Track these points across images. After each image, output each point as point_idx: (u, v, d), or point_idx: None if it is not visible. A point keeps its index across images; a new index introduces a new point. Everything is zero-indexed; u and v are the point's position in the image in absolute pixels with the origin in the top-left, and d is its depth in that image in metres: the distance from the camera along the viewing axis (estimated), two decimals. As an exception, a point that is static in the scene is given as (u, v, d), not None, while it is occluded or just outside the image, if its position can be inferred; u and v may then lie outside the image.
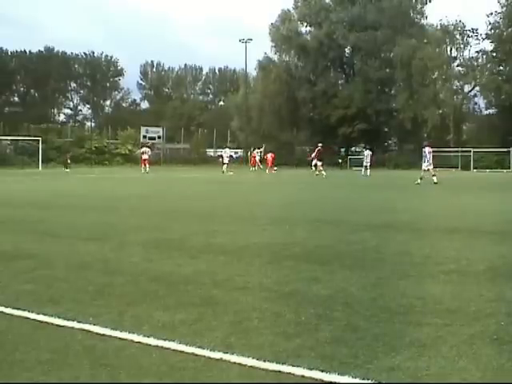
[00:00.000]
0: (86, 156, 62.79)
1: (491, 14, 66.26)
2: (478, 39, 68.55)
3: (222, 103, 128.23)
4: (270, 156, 51.89)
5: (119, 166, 56.51)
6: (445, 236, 10.32)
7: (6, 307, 5.26)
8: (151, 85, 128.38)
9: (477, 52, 68.72)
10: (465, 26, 68.38)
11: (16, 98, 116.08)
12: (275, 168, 52.31)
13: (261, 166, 55.58)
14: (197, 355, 4.06)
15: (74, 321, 4.83)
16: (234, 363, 3.91)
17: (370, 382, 3.62)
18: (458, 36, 68.95)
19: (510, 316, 5.05)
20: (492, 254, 8.28)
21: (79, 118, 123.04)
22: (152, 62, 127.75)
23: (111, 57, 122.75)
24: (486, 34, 67.15)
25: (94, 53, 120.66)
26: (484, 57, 68.37)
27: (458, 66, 71.07)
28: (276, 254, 8.16)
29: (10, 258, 7.74)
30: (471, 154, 60.91)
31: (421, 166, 31.44)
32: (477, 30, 68.05)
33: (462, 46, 69.61)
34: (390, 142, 78.63)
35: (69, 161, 52.89)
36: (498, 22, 66.25)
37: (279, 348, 4.21)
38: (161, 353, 4.13)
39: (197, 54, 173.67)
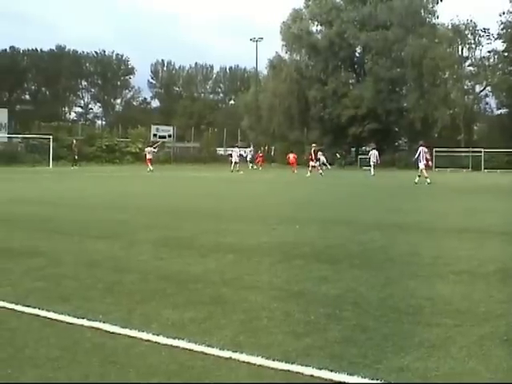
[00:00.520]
0: (97, 154, 62.79)
1: (503, 13, 65.86)
2: (489, 39, 68.17)
3: (232, 102, 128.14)
4: (292, 157, 51.65)
5: (129, 165, 56.57)
6: (455, 236, 10.29)
7: (17, 304, 5.29)
8: (162, 83, 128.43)
9: (488, 52, 68.38)
10: (476, 26, 68.02)
11: (27, 96, 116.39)
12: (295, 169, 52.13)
13: (254, 167, 55.87)
14: (206, 354, 4.07)
15: (83, 318, 4.85)
16: (243, 362, 3.92)
17: (379, 382, 3.61)
18: (469, 36, 68.58)
19: (521, 317, 5.04)
20: (503, 254, 8.25)
21: (90, 116, 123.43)
22: (163, 60, 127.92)
23: (122, 55, 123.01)
24: (498, 33, 66.75)
25: (105, 51, 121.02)
26: (495, 57, 67.97)
27: (469, 65, 70.73)
28: (285, 253, 8.16)
29: (20, 256, 7.77)
30: (482, 154, 60.61)
31: (417, 164, 31.52)
32: (488, 29, 67.71)
33: (473, 45, 69.22)
34: (400, 141, 78.34)
35: (76, 156, 52.84)
36: (510, 22, 65.86)
37: (288, 347, 4.21)
38: (170, 351, 4.14)
39: (207, 53, 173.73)
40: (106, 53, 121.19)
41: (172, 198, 19.12)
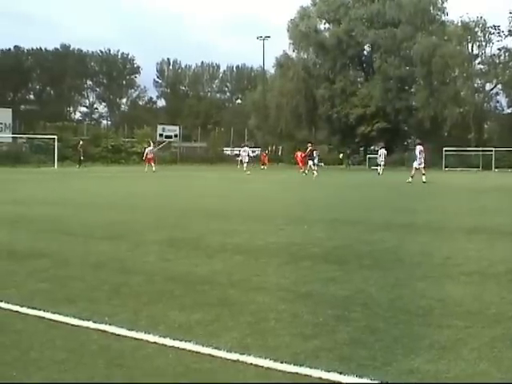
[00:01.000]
0: (102, 155, 62.90)
1: (514, 10, 65.72)
2: (500, 36, 67.89)
3: (239, 101, 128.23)
4: (300, 155, 51.65)
5: (135, 165, 56.63)
6: (465, 236, 10.26)
7: (22, 306, 5.30)
8: (168, 83, 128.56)
9: (499, 49, 68.11)
10: (486, 23, 67.76)
11: (32, 96, 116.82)
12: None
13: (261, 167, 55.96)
14: (213, 356, 4.07)
15: (89, 320, 4.85)
16: (251, 364, 3.91)
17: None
18: (479, 33, 68.32)
19: (533, 318, 5.02)
20: (514, 255, 8.22)
21: (95, 116, 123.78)
22: (168, 59, 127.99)
23: (127, 54, 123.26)
24: (509, 30, 66.53)
25: (110, 50, 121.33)
26: (506, 54, 67.72)
27: (479, 63, 70.51)
28: (293, 254, 8.16)
29: (25, 257, 7.78)
30: (492, 153, 60.44)
31: (412, 164, 31.75)
32: (499, 26, 67.45)
33: (483, 43, 68.95)
34: (409, 141, 78.18)
35: (82, 157, 52.87)
36: (521, 19, 65.70)
37: (296, 349, 4.21)
38: (177, 353, 4.14)
39: (214, 52, 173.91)
40: (111, 52, 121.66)
41: (178, 199, 19.13)
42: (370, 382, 3.64)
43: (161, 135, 69.68)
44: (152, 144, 50.75)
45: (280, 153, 76.27)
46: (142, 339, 4.43)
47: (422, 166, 31.13)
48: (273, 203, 17.70)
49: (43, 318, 5.00)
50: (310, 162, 40.24)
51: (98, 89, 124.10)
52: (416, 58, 66.24)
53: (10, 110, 59.80)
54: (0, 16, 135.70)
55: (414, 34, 67.19)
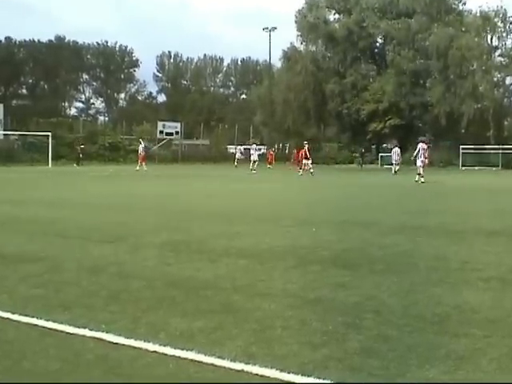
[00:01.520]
0: (100, 153, 63.00)
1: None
2: (521, 27, 67.83)
3: (244, 96, 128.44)
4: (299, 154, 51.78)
5: (134, 164, 56.63)
6: (483, 240, 10.24)
7: (13, 313, 5.30)
8: (168, 77, 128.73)
9: (520, 41, 68.04)
10: (507, 13, 67.59)
11: (24, 91, 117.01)
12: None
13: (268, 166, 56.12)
14: (216, 366, 4.07)
15: (85, 328, 4.85)
16: (256, 375, 3.92)
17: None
18: (499, 23, 68.15)
19: (555, 327, 5.01)
20: (535, 259, 8.21)
21: (92, 112, 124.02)
22: (169, 52, 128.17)
23: (126, 47, 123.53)
24: (532, 21, 66.47)
25: (107, 42, 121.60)
26: (528, 46, 67.68)
27: (499, 56, 70.26)
28: (301, 257, 8.16)
29: (18, 261, 7.80)
30: (513, 151, 60.34)
31: (415, 162, 31.85)
32: (520, 16, 67.37)
33: (503, 34, 68.79)
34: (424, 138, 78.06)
35: (81, 155, 53.03)
36: (544, 8, 65.62)
37: (304, 359, 4.21)
38: (178, 363, 4.14)
39: (217, 44, 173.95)
40: (109, 44, 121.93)
41: (179, 199, 19.16)
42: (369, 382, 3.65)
43: (161, 132, 69.73)
44: (142, 142, 50.73)
45: (287, 151, 76.29)
46: (141, 348, 4.43)
47: (423, 164, 31.20)
48: (279, 204, 17.71)
49: (36, 325, 5.00)
50: (306, 161, 40.85)
51: (94, 83, 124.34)
52: (431, 50, 66.18)
53: (2, 105, 60.11)
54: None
55: (429, 24, 67.14)
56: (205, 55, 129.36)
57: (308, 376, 3.86)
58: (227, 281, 6.66)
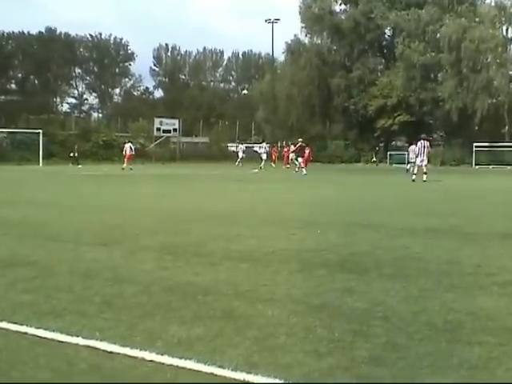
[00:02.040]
0: (93, 151, 62.93)
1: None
2: (538, 17, 67.79)
3: (245, 92, 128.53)
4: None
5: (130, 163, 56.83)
6: (497, 242, 10.24)
7: (2, 321, 5.28)
8: (166, 71, 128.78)
9: (538, 33, 68.08)
10: (523, 2, 67.70)
11: (13, 86, 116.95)
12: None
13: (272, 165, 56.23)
14: (216, 375, 4.06)
15: (78, 336, 4.85)
16: (259, 385, 3.91)
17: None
18: (515, 14, 68.23)
19: None
20: (553, 263, 8.20)
21: (85, 108, 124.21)
22: (167, 45, 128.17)
23: (121, 39, 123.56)
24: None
25: (101, 35, 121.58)
26: (546, 38, 67.68)
27: (514, 48, 70.42)
28: (306, 261, 8.16)
29: (7, 265, 7.79)
30: (530, 149, 60.32)
31: (415, 160, 32.02)
32: (538, 6, 67.34)
33: (520, 25, 68.86)
34: (435, 135, 78.08)
35: (76, 154, 53.13)
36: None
37: (309, 368, 4.20)
38: (176, 372, 4.14)
39: (217, 37, 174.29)
40: (103, 36, 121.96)
41: (177, 200, 19.17)
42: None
43: (158, 129, 69.60)
44: (132, 144, 50.67)
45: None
46: (137, 357, 4.42)
47: (424, 163, 31.28)
48: (283, 205, 17.70)
49: (26, 333, 4.98)
50: (300, 160, 41.22)
51: (87, 78, 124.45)
52: (443, 42, 66.16)
53: (-11, 101, 60.02)
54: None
55: (440, 15, 67.16)
56: (204, 48, 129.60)
57: (313, 386, 3.86)
58: (228, 286, 6.66)
